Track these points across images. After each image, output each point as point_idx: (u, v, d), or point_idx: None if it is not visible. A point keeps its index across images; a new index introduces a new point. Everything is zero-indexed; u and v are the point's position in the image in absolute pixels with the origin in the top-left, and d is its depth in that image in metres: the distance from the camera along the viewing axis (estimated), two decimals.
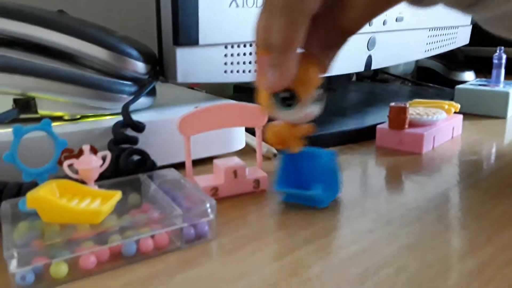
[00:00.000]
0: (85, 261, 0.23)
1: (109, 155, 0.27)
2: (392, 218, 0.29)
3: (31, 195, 0.23)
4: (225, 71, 0.42)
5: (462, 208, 0.31)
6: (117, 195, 0.25)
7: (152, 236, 0.25)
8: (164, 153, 0.37)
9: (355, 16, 0.26)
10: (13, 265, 0.21)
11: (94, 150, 0.34)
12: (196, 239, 0.26)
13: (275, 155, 0.43)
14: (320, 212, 0.30)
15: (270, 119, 0.31)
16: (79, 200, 0.25)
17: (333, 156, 0.32)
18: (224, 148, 0.41)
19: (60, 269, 0.22)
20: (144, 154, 0.32)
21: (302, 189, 0.31)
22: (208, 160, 0.38)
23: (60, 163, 0.27)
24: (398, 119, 0.43)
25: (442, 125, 0.46)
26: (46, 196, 0.23)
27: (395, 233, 0.27)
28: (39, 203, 0.23)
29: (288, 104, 0.26)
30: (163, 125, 0.37)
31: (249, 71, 0.44)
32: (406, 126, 0.44)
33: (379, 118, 0.50)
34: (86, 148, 0.26)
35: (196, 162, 0.37)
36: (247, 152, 0.43)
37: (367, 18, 0.27)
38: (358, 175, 0.38)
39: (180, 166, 0.34)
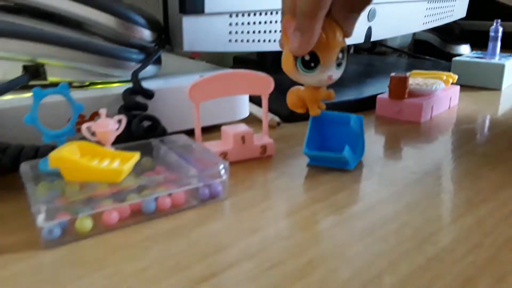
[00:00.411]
0: (108, 216, 0.24)
1: (124, 118, 0.28)
2: (394, 179, 0.31)
3: (54, 155, 0.24)
4: (230, 40, 0.43)
5: (461, 171, 0.32)
6: (136, 156, 0.26)
7: (169, 195, 0.26)
8: (171, 121, 0.37)
9: None
10: (40, 219, 0.22)
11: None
12: (210, 199, 0.28)
13: (278, 123, 0.44)
14: (326, 173, 0.32)
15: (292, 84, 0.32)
16: (99, 161, 0.26)
17: (360, 120, 0.33)
18: (229, 117, 0.42)
19: (85, 223, 0.23)
20: (155, 120, 0.33)
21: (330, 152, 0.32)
22: (213, 129, 0.39)
23: (77, 126, 0.28)
24: (399, 89, 0.45)
25: (440, 95, 0.47)
26: (69, 156, 0.24)
27: (399, 193, 0.29)
28: (63, 162, 0.24)
29: (311, 67, 0.28)
30: (171, 92, 0.38)
31: (253, 41, 0.45)
32: (406, 96, 0.45)
33: (378, 89, 0.52)
34: (103, 111, 0.27)
35: (201, 130, 0.38)
36: (251, 121, 0.44)
37: None
38: None
39: (186, 133, 0.34)
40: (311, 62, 0.28)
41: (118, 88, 0.36)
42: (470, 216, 0.26)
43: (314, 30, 0.26)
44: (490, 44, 0.60)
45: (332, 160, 0.32)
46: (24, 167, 0.27)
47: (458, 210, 0.26)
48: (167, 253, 0.22)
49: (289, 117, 0.45)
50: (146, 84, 0.37)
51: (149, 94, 0.35)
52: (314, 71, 0.28)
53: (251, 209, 0.27)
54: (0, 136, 0.30)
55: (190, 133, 0.34)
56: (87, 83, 0.37)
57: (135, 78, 0.34)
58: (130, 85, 0.36)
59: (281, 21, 0.28)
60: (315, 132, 0.33)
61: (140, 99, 0.35)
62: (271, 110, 0.41)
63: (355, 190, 0.29)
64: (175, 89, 0.38)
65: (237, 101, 0.42)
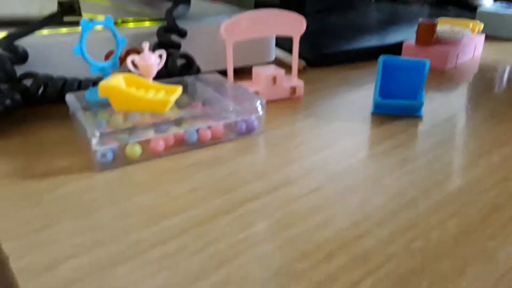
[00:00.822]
0: (155, 144, 0.26)
1: (164, 53, 0.29)
2: (418, 121, 0.32)
3: (104, 84, 0.25)
4: None
5: (486, 114, 0.33)
6: (179, 88, 0.27)
7: (209, 128, 0.27)
8: (201, 60, 0.38)
9: None
10: (95, 143, 0.24)
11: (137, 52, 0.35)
12: (246, 133, 0.29)
13: (304, 67, 0.44)
14: (351, 114, 0.33)
15: None
16: (144, 92, 0.27)
17: (426, 65, 0.33)
18: (255, 60, 0.43)
19: (135, 149, 0.25)
20: (189, 58, 0.34)
21: (396, 99, 0.33)
22: (240, 71, 0.40)
23: (120, 60, 0.29)
24: (426, 36, 0.44)
25: (466, 43, 0.47)
26: (119, 86, 0.25)
27: (428, 131, 0.30)
28: (112, 91, 0.25)
29: None
30: (202, 32, 0.38)
31: None
32: (433, 42, 0.45)
33: (401, 36, 0.51)
34: (146, 45, 0.28)
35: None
36: (276, 64, 0.44)
37: None
38: None
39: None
40: None
41: (151, 26, 0.37)
42: (496, 154, 0.27)
43: None
44: None
45: (404, 107, 0.32)
46: (70, 98, 0.28)
47: (485, 148, 0.28)
48: (211, 178, 0.24)
49: (314, 61, 0.46)
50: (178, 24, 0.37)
51: (183, 32, 0.35)
52: None
53: (286, 144, 0.28)
54: (37, 70, 0.31)
55: (219, 73, 0.35)
56: (119, 21, 0.37)
57: (169, 16, 0.35)
58: (161, 23, 0.37)
59: None
60: (383, 79, 0.33)
61: (173, 37, 0.36)
62: None
63: (384, 127, 0.30)
64: (206, 29, 0.38)
65: (264, 44, 0.43)
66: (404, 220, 0.20)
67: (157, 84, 0.28)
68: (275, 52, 0.45)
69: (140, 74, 0.28)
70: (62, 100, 0.30)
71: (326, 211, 0.21)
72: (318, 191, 0.22)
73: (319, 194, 0.22)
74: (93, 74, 0.28)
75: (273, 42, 0.44)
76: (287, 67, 0.45)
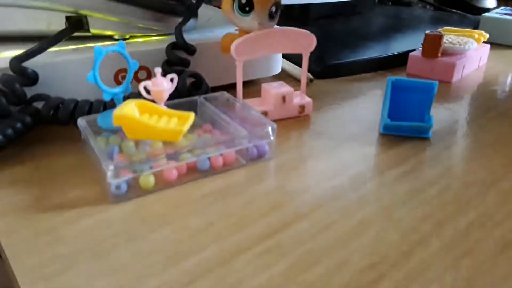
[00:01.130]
0: (169, 173, 0.26)
1: (176, 77, 0.29)
2: (427, 144, 0.32)
3: (117, 114, 0.25)
4: None
5: (495, 135, 0.33)
6: (191, 116, 0.27)
7: (221, 154, 0.28)
8: (208, 75, 0.38)
9: None
10: (110, 175, 0.24)
11: (147, 71, 0.35)
12: (258, 158, 0.29)
13: (311, 80, 0.44)
14: (360, 134, 0.33)
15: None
16: (157, 119, 0.27)
17: (434, 88, 0.33)
18: (262, 73, 0.42)
19: (148, 180, 0.25)
20: (198, 77, 0.34)
21: (404, 120, 0.32)
22: (247, 83, 0.40)
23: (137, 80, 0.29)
24: (433, 47, 0.44)
25: (471, 54, 0.47)
26: (133, 115, 0.25)
27: (437, 155, 0.30)
28: (126, 121, 0.25)
29: (246, 11, 0.30)
30: (210, 47, 0.38)
31: None
32: (440, 54, 0.45)
33: (405, 45, 0.51)
34: (158, 71, 0.27)
35: (234, 85, 0.39)
36: (283, 77, 0.44)
37: None
38: None
39: (222, 88, 0.35)
40: (246, 6, 0.30)
41: (159, 42, 0.37)
42: (506, 181, 0.27)
43: None
44: None
45: (413, 129, 0.32)
46: (81, 122, 0.28)
47: (494, 175, 0.28)
48: (226, 211, 0.24)
49: (320, 74, 0.46)
50: (186, 37, 0.37)
51: (191, 50, 0.35)
52: (248, 15, 0.31)
53: (297, 169, 0.28)
54: (49, 89, 0.31)
55: (226, 87, 0.35)
56: (127, 36, 0.37)
57: (178, 33, 0.35)
58: (170, 38, 0.37)
59: None
60: (392, 99, 0.33)
61: (182, 53, 0.36)
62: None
63: (393, 151, 0.31)
64: (213, 44, 0.38)
65: (271, 57, 0.42)
66: (418, 261, 0.21)
67: (169, 110, 0.28)
68: (282, 64, 0.45)
69: (153, 100, 0.28)
70: (73, 122, 0.30)
71: (342, 251, 0.21)
72: (333, 227, 0.23)
73: (334, 231, 0.22)
74: (106, 100, 0.28)
75: (280, 55, 0.44)
76: (294, 80, 0.45)
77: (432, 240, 0.22)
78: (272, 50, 0.35)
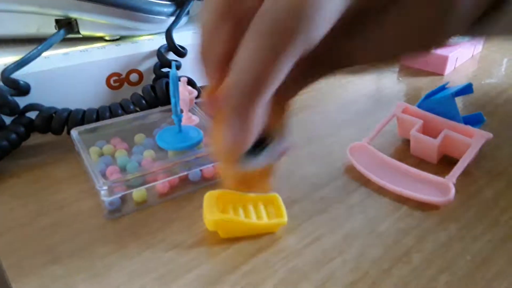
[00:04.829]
0: (161, 187, 0.27)
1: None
2: None
3: (210, 219, 0.23)
4: None
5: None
6: (276, 196, 0.25)
7: (213, 165, 0.28)
8: (200, 76, 0.38)
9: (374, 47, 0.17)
10: (103, 194, 0.24)
11: (139, 74, 0.35)
12: None
13: None
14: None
15: None
16: (242, 209, 0.25)
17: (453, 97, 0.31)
18: None
19: (142, 195, 0.26)
20: (193, 83, 0.34)
21: None
22: None
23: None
24: None
25: (465, 45, 0.47)
26: (229, 217, 0.23)
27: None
28: (222, 224, 0.23)
29: (257, 152, 0.19)
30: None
31: None
32: None
33: None
34: (184, 80, 0.30)
35: None
36: None
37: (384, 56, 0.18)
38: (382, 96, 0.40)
39: None
40: (257, 146, 0.18)
41: (150, 43, 0.36)
42: (489, 190, 0.28)
43: (260, 117, 0.15)
44: None
45: None
46: (74, 134, 0.29)
47: (477, 183, 0.29)
48: None
49: None
50: (176, 36, 0.37)
51: (182, 53, 0.35)
52: (261, 155, 0.19)
53: (288, 178, 0.29)
54: (41, 98, 0.31)
55: None
56: (118, 37, 0.37)
57: (169, 36, 0.34)
58: (160, 37, 0.37)
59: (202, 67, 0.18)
60: None
61: (173, 55, 0.36)
62: None
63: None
64: None
65: None
66: (397, 278, 0.22)
67: (251, 195, 0.25)
68: None
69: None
70: (67, 131, 0.31)
71: (326, 267, 0.22)
72: (318, 242, 0.24)
73: (319, 246, 0.23)
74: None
75: None
76: None
77: (412, 255, 0.23)
78: None
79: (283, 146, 0.19)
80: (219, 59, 0.16)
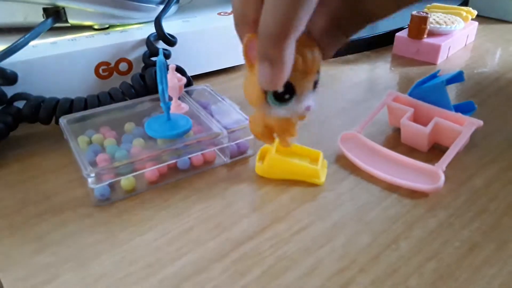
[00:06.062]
0: (150, 175, 0.26)
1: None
2: None
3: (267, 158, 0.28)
4: None
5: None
6: (320, 155, 0.29)
7: (202, 153, 0.28)
8: (188, 64, 0.38)
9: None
10: (91, 182, 0.24)
11: (128, 63, 0.35)
12: (239, 154, 0.30)
13: None
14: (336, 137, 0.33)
15: None
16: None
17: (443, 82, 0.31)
18: (237, 60, 0.42)
19: (130, 182, 0.26)
20: (181, 70, 0.34)
21: None
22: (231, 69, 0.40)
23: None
24: (418, 29, 0.44)
25: (458, 34, 0.47)
26: (282, 156, 0.28)
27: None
28: (273, 160, 0.27)
29: (285, 99, 0.21)
30: (191, 37, 0.37)
31: None
32: (425, 36, 0.44)
33: (392, 23, 0.51)
34: (172, 67, 0.30)
35: (211, 74, 0.39)
36: None
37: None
38: (375, 83, 0.40)
39: (203, 76, 0.35)
40: (285, 94, 0.20)
41: (139, 31, 0.36)
42: (478, 178, 0.28)
43: (286, 58, 0.18)
44: None
45: None
46: (63, 122, 0.28)
47: (467, 171, 0.29)
48: (206, 214, 0.25)
49: None
50: (166, 26, 0.36)
51: (171, 42, 0.35)
52: (288, 104, 0.21)
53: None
54: (29, 87, 0.31)
55: (205, 75, 0.35)
56: (107, 26, 0.36)
57: (158, 25, 0.34)
58: (149, 26, 0.36)
59: (238, 34, 0.19)
60: None
61: (162, 44, 0.35)
62: None
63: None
64: (195, 33, 0.37)
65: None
66: (385, 265, 0.22)
67: (301, 148, 0.29)
68: None
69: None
70: (55, 120, 0.30)
71: (314, 254, 0.22)
72: (307, 230, 0.24)
73: (308, 234, 0.23)
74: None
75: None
76: None
77: (401, 242, 0.23)
78: None
79: (307, 103, 0.21)
80: (253, 20, 0.18)
